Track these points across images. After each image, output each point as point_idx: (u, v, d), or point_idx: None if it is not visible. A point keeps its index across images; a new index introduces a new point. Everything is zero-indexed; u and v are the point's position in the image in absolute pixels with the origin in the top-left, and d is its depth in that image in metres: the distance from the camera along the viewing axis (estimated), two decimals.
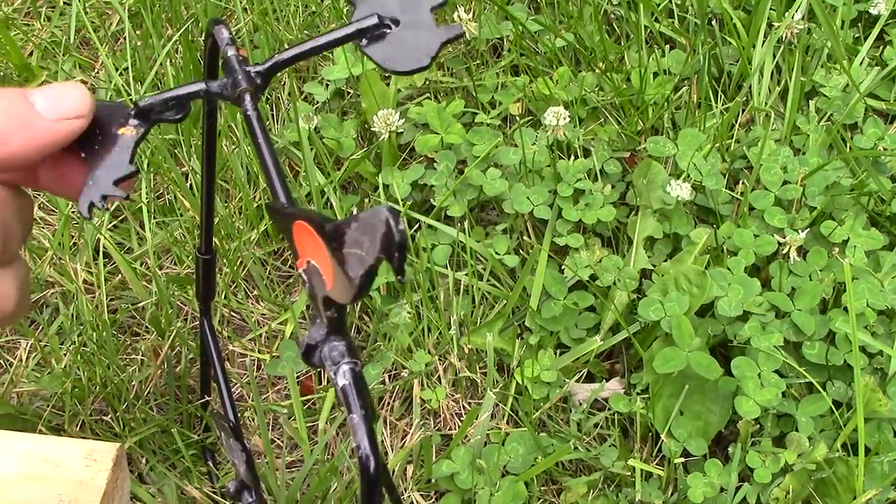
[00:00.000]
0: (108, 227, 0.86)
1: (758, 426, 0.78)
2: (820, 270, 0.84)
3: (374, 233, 0.30)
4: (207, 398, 0.77)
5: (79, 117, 0.36)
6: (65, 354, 0.78)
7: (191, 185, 0.88)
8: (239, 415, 0.78)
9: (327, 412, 0.76)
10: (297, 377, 0.80)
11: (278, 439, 0.78)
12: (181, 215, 0.87)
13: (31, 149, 0.35)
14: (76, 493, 0.68)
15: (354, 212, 0.89)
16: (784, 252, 0.84)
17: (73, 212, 0.87)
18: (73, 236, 0.85)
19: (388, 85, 0.95)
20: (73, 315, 0.80)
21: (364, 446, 0.37)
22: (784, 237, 0.85)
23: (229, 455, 0.64)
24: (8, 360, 0.80)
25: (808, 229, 0.86)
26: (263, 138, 0.46)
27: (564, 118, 0.87)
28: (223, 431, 0.63)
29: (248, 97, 0.47)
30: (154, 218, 0.87)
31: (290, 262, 0.89)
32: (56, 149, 0.36)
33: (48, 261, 0.83)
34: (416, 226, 0.88)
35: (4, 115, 0.34)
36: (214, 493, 0.76)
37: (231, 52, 0.48)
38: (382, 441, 0.78)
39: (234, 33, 0.48)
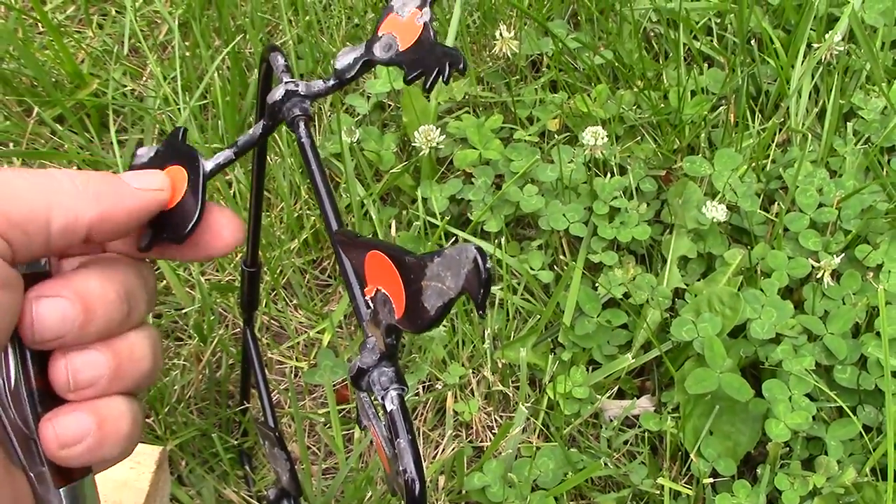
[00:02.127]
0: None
1: (787, 448, 0.79)
2: (853, 294, 0.85)
3: (458, 268, 0.32)
4: (247, 404, 0.79)
5: (161, 190, 0.42)
6: None
7: (234, 193, 0.90)
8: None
9: None
10: (334, 386, 0.82)
11: (314, 446, 0.80)
12: None
13: (121, 211, 0.39)
14: (120, 495, 0.70)
15: (393, 224, 0.91)
16: (818, 276, 0.85)
17: None
18: None
19: (428, 100, 0.97)
20: None
21: (410, 470, 0.39)
22: (818, 260, 0.85)
23: (272, 463, 0.65)
24: None
25: (843, 253, 0.86)
26: (317, 166, 0.48)
27: (602, 138, 0.88)
28: (267, 440, 0.65)
29: (302, 124, 0.49)
30: None
31: (328, 271, 0.90)
32: (143, 216, 0.40)
33: None
34: (453, 239, 0.89)
35: (99, 179, 0.39)
36: (251, 496, 0.78)
37: (286, 77, 0.50)
38: None
39: (285, 55, 0.50)
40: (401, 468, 0.39)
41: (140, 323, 0.41)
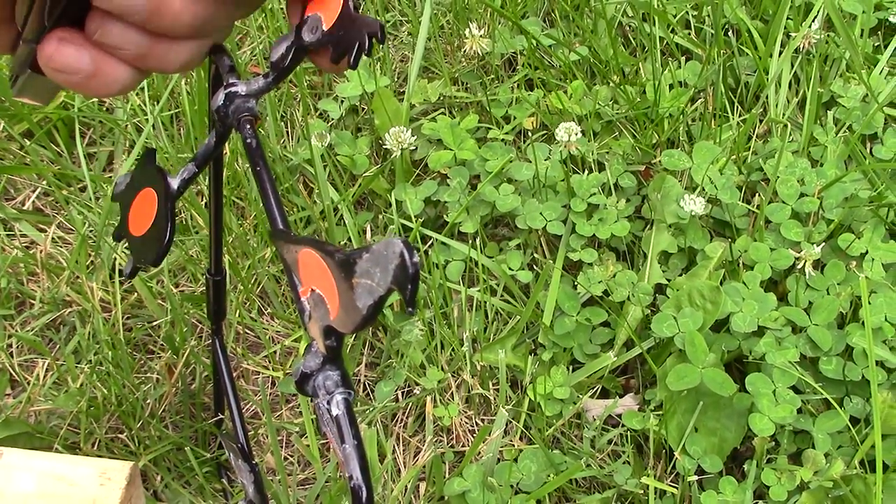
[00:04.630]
0: (125, 246, 0.87)
1: (773, 443, 0.77)
2: (837, 284, 0.83)
3: (386, 264, 0.31)
4: (222, 416, 0.77)
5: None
6: (81, 373, 0.79)
7: (205, 203, 0.89)
8: (251, 432, 0.79)
9: None
10: None
11: (291, 457, 0.79)
12: (196, 233, 0.88)
13: None
14: None
15: (368, 228, 0.90)
16: (801, 266, 0.83)
17: (90, 231, 0.88)
18: (90, 255, 0.86)
19: (401, 100, 0.95)
20: (89, 334, 0.81)
21: (357, 476, 0.37)
22: (801, 251, 0.84)
23: (238, 475, 0.64)
24: (25, 379, 0.81)
25: (825, 242, 0.85)
26: (262, 165, 0.46)
27: (576, 134, 0.87)
28: (232, 452, 0.63)
29: (248, 126, 0.48)
30: None
31: None
32: None
33: (65, 280, 0.84)
34: (430, 242, 0.88)
35: None
36: None
37: (232, 79, 0.48)
38: (395, 458, 0.78)
39: (235, 60, 0.48)
40: (347, 475, 0.38)
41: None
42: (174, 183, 0.50)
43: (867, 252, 0.85)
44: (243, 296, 0.85)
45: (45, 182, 0.93)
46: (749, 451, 0.79)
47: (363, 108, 0.99)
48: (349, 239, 0.88)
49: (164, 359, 0.81)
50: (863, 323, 0.80)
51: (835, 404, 0.76)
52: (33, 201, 0.92)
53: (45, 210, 0.93)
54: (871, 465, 0.75)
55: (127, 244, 0.50)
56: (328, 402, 0.39)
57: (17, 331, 0.83)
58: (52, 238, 0.88)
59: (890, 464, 0.76)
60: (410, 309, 0.31)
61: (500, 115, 0.97)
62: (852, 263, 0.84)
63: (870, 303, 0.80)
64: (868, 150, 0.94)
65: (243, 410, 0.82)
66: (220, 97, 0.48)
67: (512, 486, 0.75)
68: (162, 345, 0.82)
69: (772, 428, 0.75)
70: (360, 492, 0.37)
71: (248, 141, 0.47)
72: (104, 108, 0.99)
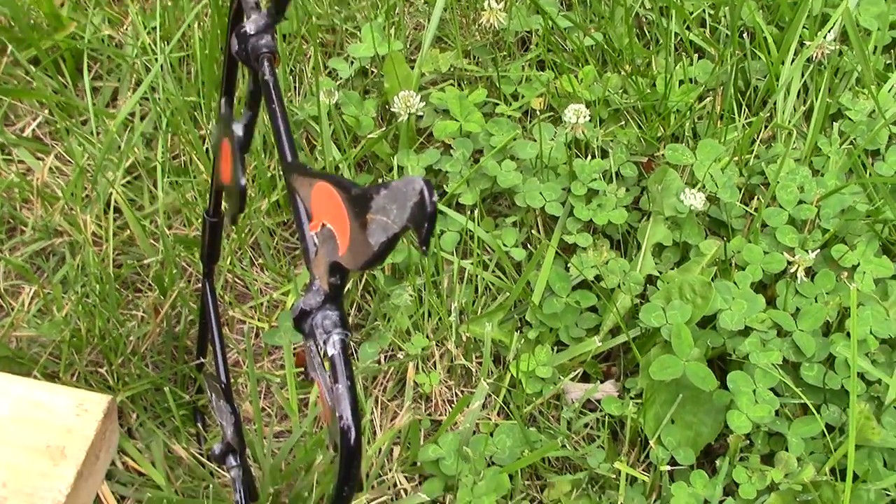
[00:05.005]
0: (122, 182, 0.87)
1: (748, 442, 0.78)
2: (826, 293, 0.84)
3: (404, 201, 0.31)
4: (203, 360, 0.77)
5: None
6: (66, 303, 0.78)
7: (207, 148, 0.88)
8: (232, 380, 0.79)
9: None
10: (294, 349, 0.80)
11: (269, 408, 0.79)
12: (195, 177, 0.87)
13: None
14: (64, 441, 0.69)
15: None
16: (792, 271, 0.84)
17: (88, 164, 0.87)
18: (86, 188, 0.86)
19: (412, 68, 0.95)
20: (78, 266, 0.80)
21: (346, 416, 0.37)
22: (794, 256, 0.84)
23: (218, 417, 0.64)
24: (10, 304, 0.80)
25: (819, 251, 0.85)
26: (278, 103, 0.46)
27: (585, 116, 0.87)
28: (214, 392, 0.63)
29: (266, 62, 0.48)
30: (167, 178, 0.87)
31: (298, 234, 0.89)
32: None
33: (59, 210, 0.84)
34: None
35: None
36: (201, 454, 0.76)
37: (254, 15, 0.48)
38: (372, 420, 0.78)
39: None
40: (337, 414, 0.38)
41: None
42: (238, 130, 0.51)
43: (859, 264, 0.85)
44: (236, 244, 0.85)
45: (47, 111, 0.92)
46: (722, 448, 0.79)
47: (373, 72, 0.98)
48: None
49: (151, 298, 0.80)
50: (848, 334, 0.81)
51: (814, 410, 0.76)
52: (33, 129, 0.92)
53: (45, 139, 0.92)
54: (841, 473, 0.75)
55: (224, 193, 0.53)
56: (324, 342, 0.39)
57: (5, 255, 0.82)
58: (50, 168, 0.87)
59: (860, 474, 0.77)
60: (424, 248, 0.31)
61: (508, 93, 0.97)
62: (843, 274, 0.85)
63: (857, 315, 0.80)
64: (870, 164, 0.95)
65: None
66: (234, 42, 0.48)
67: (486, 459, 0.75)
68: (150, 284, 0.82)
69: (749, 426, 0.75)
70: (349, 432, 0.37)
71: (266, 78, 0.47)
72: (114, 44, 0.98)
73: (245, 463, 0.64)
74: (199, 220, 0.86)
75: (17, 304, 0.80)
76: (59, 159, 0.90)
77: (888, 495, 0.76)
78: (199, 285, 0.84)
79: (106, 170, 0.86)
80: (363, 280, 0.84)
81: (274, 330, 0.80)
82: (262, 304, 0.84)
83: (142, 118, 0.92)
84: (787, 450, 0.77)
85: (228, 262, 0.84)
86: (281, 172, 0.88)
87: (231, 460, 0.64)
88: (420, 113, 0.89)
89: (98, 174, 0.85)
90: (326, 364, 0.46)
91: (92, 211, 0.84)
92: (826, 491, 0.75)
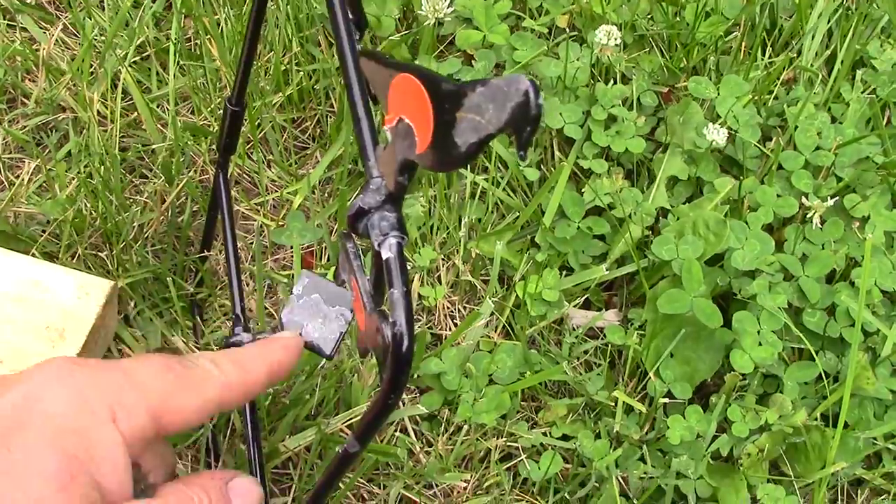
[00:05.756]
0: (131, 62, 0.83)
1: (743, 380, 0.78)
2: (834, 242, 0.84)
3: (504, 101, 0.29)
4: (207, 253, 0.76)
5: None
6: (69, 182, 0.76)
7: (221, 32, 0.85)
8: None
9: None
10: (303, 248, 0.79)
11: (270, 308, 0.77)
12: (207, 63, 0.84)
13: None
14: (64, 323, 0.67)
15: None
16: (803, 217, 0.84)
17: (97, 39, 0.84)
18: (92, 64, 0.82)
19: None
20: (82, 143, 0.78)
21: (400, 322, 0.36)
22: (806, 201, 0.84)
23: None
24: (10, 179, 0.78)
25: (834, 199, 0.85)
26: None
27: (616, 39, 0.84)
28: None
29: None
30: (179, 62, 0.84)
31: (309, 132, 0.86)
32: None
33: (64, 84, 0.80)
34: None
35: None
36: (198, 347, 0.75)
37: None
38: None
39: None
40: (391, 320, 0.36)
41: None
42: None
43: (870, 217, 0.85)
44: (245, 136, 0.82)
45: None
46: (716, 386, 0.80)
47: None
48: None
49: (156, 185, 0.78)
50: (852, 283, 0.81)
51: (815, 355, 0.77)
52: None
53: (48, 8, 0.88)
54: (832, 419, 0.76)
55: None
56: (379, 244, 0.38)
57: (5, 126, 0.79)
58: (56, 39, 0.83)
59: (851, 422, 0.78)
60: (522, 153, 0.29)
61: (534, 6, 0.94)
62: (854, 224, 0.84)
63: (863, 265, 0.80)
64: (890, 115, 0.94)
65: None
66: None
67: (486, 377, 0.75)
68: (154, 171, 0.80)
69: (751, 366, 0.76)
70: (401, 339, 0.36)
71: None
72: None
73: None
74: (209, 109, 0.83)
75: (16, 179, 0.77)
76: (64, 31, 0.85)
77: (875, 444, 0.77)
78: (205, 177, 0.81)
79: (116, 47, 0.82)
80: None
81: (282, 229, 0.79)
82: (268, 200, 0.82)
83: None
84: (781, 392, 0.78)
85: (236, 155, 0.81)
86: (295, 66, 0.85)
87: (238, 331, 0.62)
88: (447, 18, 0.86)
89: (107, 51, 0.82)
90: (368, 270, 0.45)
91: (98, 89, 0.80)
92: (815, 435, 0.76)
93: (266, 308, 0.77)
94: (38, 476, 0.38)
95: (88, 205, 0.75)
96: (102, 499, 0.39)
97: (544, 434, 0.75)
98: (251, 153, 0.83)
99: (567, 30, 0.92)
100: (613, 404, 0.75)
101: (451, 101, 0.31)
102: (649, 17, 0.95)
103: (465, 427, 0.73)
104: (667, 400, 0.76)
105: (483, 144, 0.30)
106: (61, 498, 0.38)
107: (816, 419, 0.77)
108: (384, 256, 0.37)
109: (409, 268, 0.79)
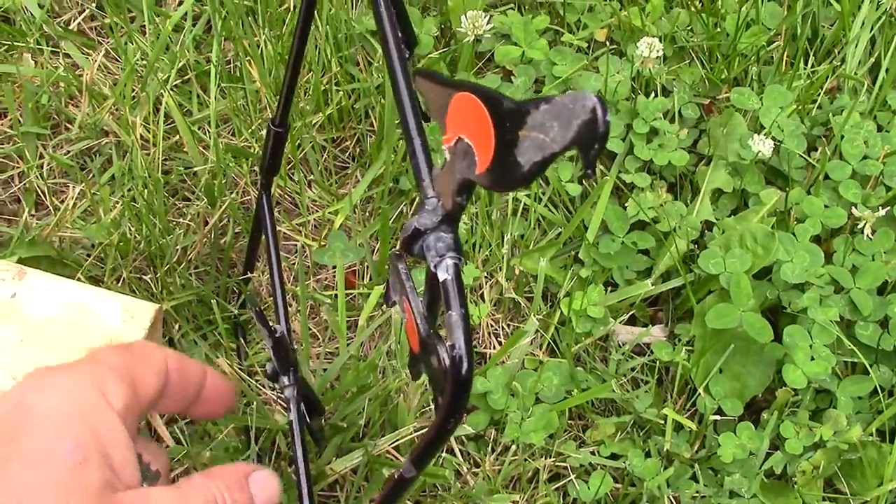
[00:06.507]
0: (172, 85, 0.84)
1: (795, 396, 0.77)
2: (884, 252, 0.82)
3: (570, 118, 0.28)
4: (250, 275, 0.75)
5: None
6: (113, 206, 0.76)
7: (261, 54, 0.85)
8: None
9: (370, 309, 0.75)
10: (346, 268, 0.78)
11: (314, 328, 0.77)
12: (247, 85, 0.84)
13: None
14: None
15: None
16: (852, 227, 0.82)
17: (138, 63, 0.84)
18: (134, 89, 0.83)
19: None
20: (126, 168, 0.78)
21: (459, 346, 0.35)
22: (855, 212, 0.82)
23: (262, 334, 0.62)
24: (55, 204, 0.78)
25: (882, 209, 0.83)
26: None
27: (658, 51, 0.84)
28: (254, 311, 0.61)
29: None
30: (220, 84, 0.84)
31: (349, 151, 0.86)
32: None
33: (107, 109, 0.81)
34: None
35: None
36: (241, 369, 0.75)
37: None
38: None
39: None
40: (448, 343, 0.36)
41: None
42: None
43: None
44: (286, 158, 0.82)
45: (93, 4, 0.88)
46: (766, 402, 0.78)
47: None
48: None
49: (199, 208, 0.78)
50: None
51: (869, 369, 0.75)
52: (79, 23, 0.88)
53: (90, 34, 0.89)
54: (888, 434, 0.74)
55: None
56: (435, 266, 0.37)
57: (49, 152, 0.80)
58: (99, 65, 0.84)
59: None
60: (590, 171, 0.29)
61: (572, 21, 0.93)
62: None
63: None
64: None
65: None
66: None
67: (534, 395, 0.74)
68: (197, 193, 0.80)
69: (804, 382, 0.74)
70: (460, 363, 0.35)
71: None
72: None
73: (303, 380, 0.62)
74: (250, 131, 0.83)
75: (61, 203, 0.77)
76: (106, 57, 0.86)
77: None
78: (247, 198, 0.81)
79: (158, 71, 0.82)
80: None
81: (324, 249, 0.78)
82: (309, 221, 0.82)
83: (194, 20, 0.88)
84: (834, 407, 0.76)
85: (277, 175, 0.81)
86: (335, 85, 0.85)
87: (284, 379, 0.62)
88: (486, 35, 0.86)
89: (149, 75, 0.82)
90: (422, 292, 0.44)
91: (141, 113, 0.81)
92: (871, 451, 0.74)
93: (310, 328, 0.77)
94: (51, 460, 0.38)
95: (132, 228, 0.75)
96: (115, 476, 0.40)
97: (592, 453, 0.74)
98: (292, 173, 0.83)
99: (606, 43, 0.91)
100: (663, 422, 0.74)
101: (512, 120, 0.30)
102: (689, 28, 0.94)
103: (513, 447, 0.72)
104: (717, 417, 0.75)
105: (547, 163, 0.29)
106: (77, 479, 0.38)
107: (872, 435, 0.75)
108: (441, 278, 0.36)
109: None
